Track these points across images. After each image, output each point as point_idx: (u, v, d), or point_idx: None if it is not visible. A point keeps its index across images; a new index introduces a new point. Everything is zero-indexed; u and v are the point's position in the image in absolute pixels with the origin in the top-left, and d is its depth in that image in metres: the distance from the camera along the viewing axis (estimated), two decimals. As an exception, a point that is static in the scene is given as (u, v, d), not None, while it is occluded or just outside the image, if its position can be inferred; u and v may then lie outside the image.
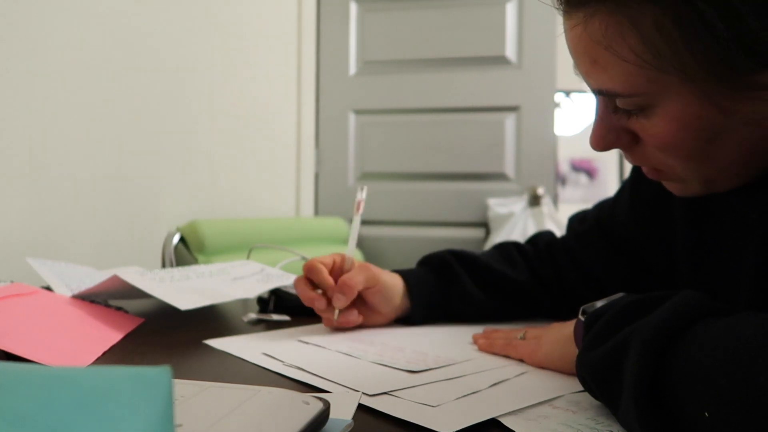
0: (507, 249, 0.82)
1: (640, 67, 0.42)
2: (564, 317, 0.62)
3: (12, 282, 0.77)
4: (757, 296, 0.48)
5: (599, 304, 0.49)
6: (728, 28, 0.38)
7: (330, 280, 0.71)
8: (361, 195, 0.74)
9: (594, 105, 0.49)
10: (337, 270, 0.73)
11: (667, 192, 0.53)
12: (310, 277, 0.72)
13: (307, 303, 0.72)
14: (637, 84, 0.43)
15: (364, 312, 0.73)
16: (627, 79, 0.43)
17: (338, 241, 2.02)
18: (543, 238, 0.83)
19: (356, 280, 0.70)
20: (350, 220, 2.18)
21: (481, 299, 0.77)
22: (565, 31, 0.47)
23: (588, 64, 0.45)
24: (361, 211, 0.74)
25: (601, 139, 0.48)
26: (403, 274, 0.77)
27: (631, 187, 0.68)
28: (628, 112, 0.46)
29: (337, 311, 0.71)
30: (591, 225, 0.75)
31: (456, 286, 0.77)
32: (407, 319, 0.76)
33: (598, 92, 0.47)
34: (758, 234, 0.48)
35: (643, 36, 0.41)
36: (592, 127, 0.49)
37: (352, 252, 0.74)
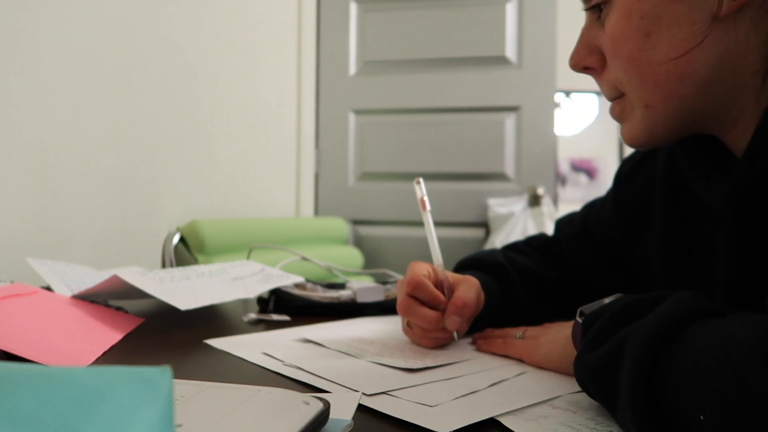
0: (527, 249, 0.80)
1: None
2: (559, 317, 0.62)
3: (12, 282, 0.77)
4: (732, 291, 0.48)
5: (603, 302, 0.49)
6: None
7: (441, 295, 0.63)
8: (422, 190, 0.66)
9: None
10: (434, 282, 0.65)
11: (648, 198, 0.53)
12: (416, 296, 0.63)
13: (429, 325, 0.62)
14: None
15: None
16: None
17: (338, 241, 2.02)
18: (537, 240, 0.83)
19: (470, 297, 0.63)
20: (351, 221, 2.19)
21: (529, 308, 0.73)
22: None
23: None
24: (428, 208, 0.66)
25: (575, 53, 0.53)
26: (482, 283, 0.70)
27: (614, 192, 0.69)
28: (599, 8, 0.50)
29: (456, 332, 0.64)
30: (578, 228, 0.76)
31: (512, 295, 0.72)
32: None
33: None
34: (727, 227, 0.48)
35: None
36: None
37: (439, 259, 0.66)
